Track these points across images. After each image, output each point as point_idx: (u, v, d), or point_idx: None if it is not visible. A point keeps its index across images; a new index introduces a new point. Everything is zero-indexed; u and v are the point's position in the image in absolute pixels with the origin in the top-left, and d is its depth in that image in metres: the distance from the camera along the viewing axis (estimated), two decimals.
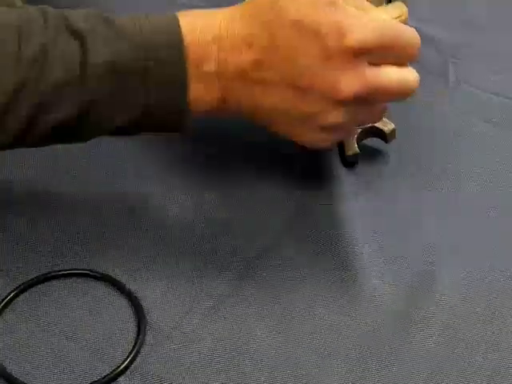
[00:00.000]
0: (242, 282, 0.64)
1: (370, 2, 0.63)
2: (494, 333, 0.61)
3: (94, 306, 0.63)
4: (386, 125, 0.72)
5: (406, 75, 0.60)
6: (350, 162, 0.72)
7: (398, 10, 0.65)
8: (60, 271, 0.65)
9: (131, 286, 0.64)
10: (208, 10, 0.62)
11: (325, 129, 0.61)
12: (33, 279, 0.64)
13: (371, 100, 0.61)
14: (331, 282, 0.64)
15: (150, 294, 0.63)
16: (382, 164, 0.73)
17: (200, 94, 0.60)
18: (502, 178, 0.72)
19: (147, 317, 0.62)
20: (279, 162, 0.72)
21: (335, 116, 0.60)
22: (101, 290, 0.64)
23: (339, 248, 0.66)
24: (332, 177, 0.71)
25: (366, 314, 0.62)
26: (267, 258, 0.66)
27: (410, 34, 0.60)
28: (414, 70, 0.61)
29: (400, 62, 0.60)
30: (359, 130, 0.71)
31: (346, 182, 0.71)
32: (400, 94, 0.61)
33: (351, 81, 0.58)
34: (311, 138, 0.63)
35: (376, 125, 0.71)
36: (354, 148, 0.71)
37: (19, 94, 0.57)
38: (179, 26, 0.59)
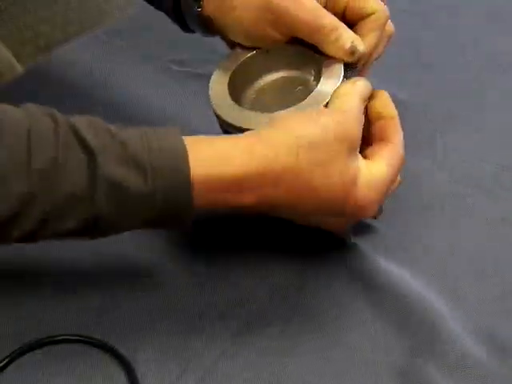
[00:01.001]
0: (234, 346, 0.65)
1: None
2: None
3: (85, 372, 0.63)
4: None
5: (397, 182, 0.69)
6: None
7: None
8: (51, 337, 0.65)
9: (124, 352, 0.64)
10: (223, 143, 0.62)
11: None
12: (24, 346, 0.64)
13: None
14: (320, 354, 0.64)
15: (143, 358, 0.63)
16: (372, 237, 0.73)
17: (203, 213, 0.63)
18: (495, 244, 0.72)
19: (140, 382, 0.62)
20: (274, 236, 0.72)
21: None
22: (93, 355, 0.64)
23: (329, 325, 0.67)
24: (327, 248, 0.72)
25: None
26: (259, 323, 0.66)
27: (403, 160, 0.67)
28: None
29: None
30: None
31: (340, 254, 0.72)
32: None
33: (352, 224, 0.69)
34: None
35: None
36: None
37: (28, 204, 0.57)
38: (189, 173, 0.59)
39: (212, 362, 0.64)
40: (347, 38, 0.67)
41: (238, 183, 0.61)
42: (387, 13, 0.70)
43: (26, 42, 1.14)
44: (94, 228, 0.60)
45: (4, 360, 0.63)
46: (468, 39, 0.93)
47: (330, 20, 0.68)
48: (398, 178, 0.69)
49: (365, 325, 0.66)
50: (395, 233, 0.73)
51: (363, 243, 0.71)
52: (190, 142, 0.61)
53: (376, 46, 0.70)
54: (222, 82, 0.70)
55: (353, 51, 0.67)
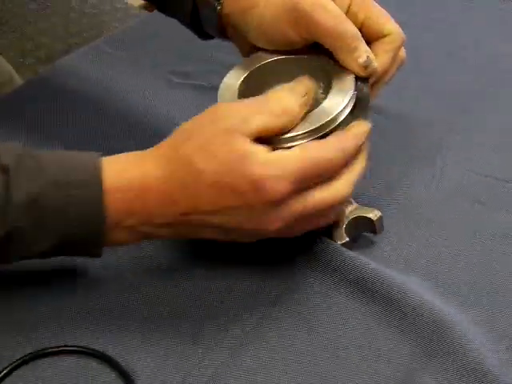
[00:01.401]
0: (237, 354, 0.64)
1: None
2: None
3: (85, 383, 0.63)
4: (373, 211, 0.71)
5: (334, 191, 0.65)
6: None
7: (303, 86, 0.67)
8: (49, 349, 0.65)
9: (123, 362, 0.64)
10: (134, 154, 0.65)
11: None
12: (22, 358, 0.64)
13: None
14: (320, 363, 0.64)
15: (143, 369, 0.63)
16: (371, 249, 0.72)
17: (120, 237, 0.65)
18: (493, 257, 0.71)
19: None
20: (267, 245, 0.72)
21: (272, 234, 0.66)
22: (92, 366, 0.64)
23: (325, 327, 0.67)
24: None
25: None
26: (263, 329, 0.66)
27: (329, 155, 0.64)
28: (346, 179, 0.65)
29: (332, 177, 0.65)
30: (346, 222, 0.71)
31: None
32: (334, 208, 0.66)
33: (275, 221, 0.64)
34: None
35: (362, 214, 0.71)
36: (343, 237, 0.71)
37: None
38: (101, 183, 0.62)
39: (212, 372, 0.63)
40: (364, 50, 0.68)
41: (141, 186, 0.63)
42: (403, 36, 0.70)
43: (27, 54, 1.14)
44: (8, 246, 0.62)
45: (2, 371, 0.63)
46: (469, 43, 0.94)
47: (351, 28, 0.68)
48: (359, 166, 0.66)
49: (365, 330, 0.66)
50: (395, 246, 0.72)
51: (362, 255, 0.71)
52: (105, 159, 0.64)
53: (389, 67, 0.70)
54: (233, 87, 0.70)
55: (366, 65, 0.67)
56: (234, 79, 0.70)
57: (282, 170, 0.62)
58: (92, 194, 0.62)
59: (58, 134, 0.84)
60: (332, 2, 0.68)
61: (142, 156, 0.65)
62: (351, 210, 0.71)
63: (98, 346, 0.65)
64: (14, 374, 0.63)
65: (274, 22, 0.69)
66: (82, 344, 0.65)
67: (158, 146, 0.66)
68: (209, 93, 0.85)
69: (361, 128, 0.66)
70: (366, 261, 0.70)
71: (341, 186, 0.65)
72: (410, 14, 0.96)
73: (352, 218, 0.71)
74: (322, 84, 0.69)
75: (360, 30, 0.69)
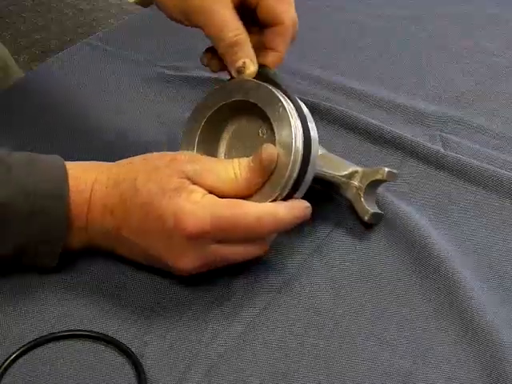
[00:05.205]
0: (241, 341, 0.65)
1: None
2: None
3: (93, 367, 0.63)
4: (379, 170, 0.72)
5: (249, 251, 0.68)
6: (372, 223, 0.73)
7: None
8: (58, 333, 0.65)
9: (131, 346, 0.64)
10: (90, 163, 0.70)
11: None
12: (31, 342, 0.65)
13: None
14: (326, 353, 0.64)
15: (150, 352, 0.64)
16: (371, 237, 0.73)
17: (71, 242, 0.68)
18: (495, 244, 0.72)
19: (147, 375, 0.62)
20: None
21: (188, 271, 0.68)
22: (100, 350, 0.64)
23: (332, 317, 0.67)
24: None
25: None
26: (266, 316, 0.67)
27: (251, 216, 0.65)
28: (263, 243, 0.68)
29: (247, 239, 0.67)
30: (362, 194, 0.72)
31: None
32: (244, 260, 0.68)
33: (190, 259, 0.66)
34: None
35: (371, 178, 0.72)
36: (366, 211, 0.72)
37: None
38: (68, 189, 0.67)
39: (219, 356, 0.64)
40: (240, 57, 0.70)
41: (92, 190, 0.68)
42: (294, 26, 0.71)
43: (22, 50, 1.14)
44: None
45: (11, 357, 0.64)
46: (467, 44, 0.94)
47: (233, 34, 0.69)
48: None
49: (371, 314, 0.67)
50: (398, 236, 0.72)
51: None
52: (68, 165, 0.68)
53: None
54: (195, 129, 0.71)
55: (239, 71, 0.70)
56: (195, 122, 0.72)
57: (206, 212, 0.65)
58: (57, 205, 0.66)
59: (51, 129, 0.85)
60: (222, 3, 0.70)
61: (102, 164, 0.70)
62: (360, 179, 0.72)
63: (105, 331, 0.65)
64: (23, 358, 0.64)
65: (170, 9, 0.73)
66: (88, 328, 0.65)
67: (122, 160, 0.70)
68: (201, 86, 0.86)
69: (301, 204, 0.68)
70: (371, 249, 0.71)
71: (252, 249, 0.68)
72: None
73: (365, 188, 0.72)
74: (262, 128, 0.70)
75: (255, 10, 0.71)
